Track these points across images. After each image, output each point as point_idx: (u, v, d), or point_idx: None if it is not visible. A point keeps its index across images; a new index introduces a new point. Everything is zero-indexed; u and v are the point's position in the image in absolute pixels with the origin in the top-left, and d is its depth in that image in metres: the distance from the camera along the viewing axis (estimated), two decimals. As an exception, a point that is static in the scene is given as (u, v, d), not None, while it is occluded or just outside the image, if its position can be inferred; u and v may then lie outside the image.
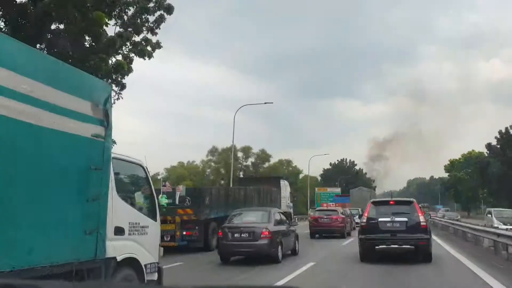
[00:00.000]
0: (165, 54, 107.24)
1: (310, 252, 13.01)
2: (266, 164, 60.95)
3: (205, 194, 13.96)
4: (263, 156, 60.69)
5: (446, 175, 77.51)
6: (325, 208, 22.26)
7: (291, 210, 25.77)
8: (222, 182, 55.54)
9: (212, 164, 59.77)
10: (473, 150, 70.34)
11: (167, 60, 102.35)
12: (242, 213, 11.47)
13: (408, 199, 11.52)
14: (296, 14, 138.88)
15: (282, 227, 11.11)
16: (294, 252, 11.94)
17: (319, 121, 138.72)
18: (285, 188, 24.63)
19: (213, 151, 60.99)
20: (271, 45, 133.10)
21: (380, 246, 10.24)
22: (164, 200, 12.41)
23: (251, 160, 61.34)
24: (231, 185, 28.29)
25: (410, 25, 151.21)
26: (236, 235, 10.18)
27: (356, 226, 18.86)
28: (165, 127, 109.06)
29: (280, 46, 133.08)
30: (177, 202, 13.24)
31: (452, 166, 72.49)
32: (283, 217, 11.90)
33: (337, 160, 77.33)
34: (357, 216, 27.60)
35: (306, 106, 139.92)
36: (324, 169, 76.98)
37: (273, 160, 62.37)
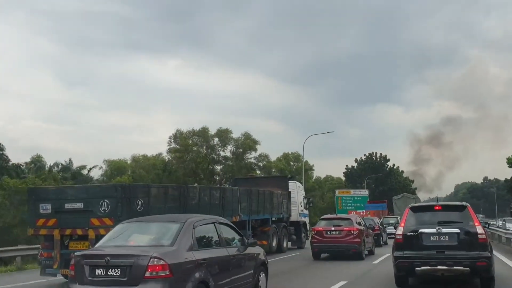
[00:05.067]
0: (208, 67, 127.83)
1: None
2: (253, 154, 54.62)
3: (136, 195, 11.60)
4: (247, 143, 53.18)
5: (503, 175, 76.47)
6: (333, 216, 20.38)
7: (306, 220, 25.43)
8: (196, 184, 49.74)
9: (178, 155, 52.20)
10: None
11: (212, 72, 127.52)
12: (130, 227, 7.94)
13: (460, 203, 10.92)
14: (336, 21, 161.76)
15: (216, 253, 7.73)
16: None
17: (359, 128, 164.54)
18: (297, 191, 24.25)
19: (176, 136, 53.20)
20: (310, 53, 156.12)
21: (423, 268, 9.53)
22: None
23: (230, 148, 54.35)
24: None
25: (453, 28, 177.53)
26: (98, 271, 6.70)
27: (390, 238, 17.80)
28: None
29: (320, 53, 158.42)
30: None
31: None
32: (228, 233, 8.63)
33: (364, 155, 76.05)
34: (393, 227, 27.03)
35: (346, 113, 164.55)
36: (347, 166, 76.09)
37: (262, 150, 57.46)
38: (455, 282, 10.17)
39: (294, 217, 22.90)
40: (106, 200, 10.98)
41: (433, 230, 9.55)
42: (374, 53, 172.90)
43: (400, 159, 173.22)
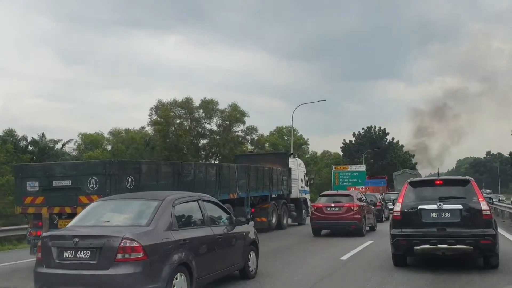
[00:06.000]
0: (209, 44, 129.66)
1: (286, 269, 10.15)
2: (240, 127, 52.56)
3: (126, 172, 11.48)
4: (234, 115, 51.08)
5: (507, 149, 76.71)
6: (334, 192, 20.88)
7: (307, 196, 26.07)
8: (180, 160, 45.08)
9: (158, 127, 49.84)
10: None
11: (210, 49, 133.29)
12: (106, 205, 7.69)
13: (463, 177, 10.67)
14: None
15: (199, 232, 7.52)
16: (244, 274, 8.84)
17: (361, 105, 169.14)
18: (298, 168, 24.82)
19: (158, 108, 50.94)
20: (312, 29, 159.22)
21: (422, 247, 9.31)
22: None
23: (216, 120, 52.21)
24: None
25: (456, 2, 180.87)
26: (67, 253, 6.38)
27: (392, 213, 17.86)
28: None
29: (322, 29, 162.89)
30: None
31: (524, 130, 70.75)
32: (214, 211, 8.42)
33: (362, 129, 75.50)
34: (391, 203, 27.15)
35: (347, 89, 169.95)
36: (344, 141, 75.90)
37: (251, 122, 56.79)
38: (456, 261, 9.92)
39: (294, 194, 23.40)
40: (94, 177, 10.92)
41: (433, 206, 9.36)
42: (376, 28, 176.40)
43: (401, 135, 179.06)
